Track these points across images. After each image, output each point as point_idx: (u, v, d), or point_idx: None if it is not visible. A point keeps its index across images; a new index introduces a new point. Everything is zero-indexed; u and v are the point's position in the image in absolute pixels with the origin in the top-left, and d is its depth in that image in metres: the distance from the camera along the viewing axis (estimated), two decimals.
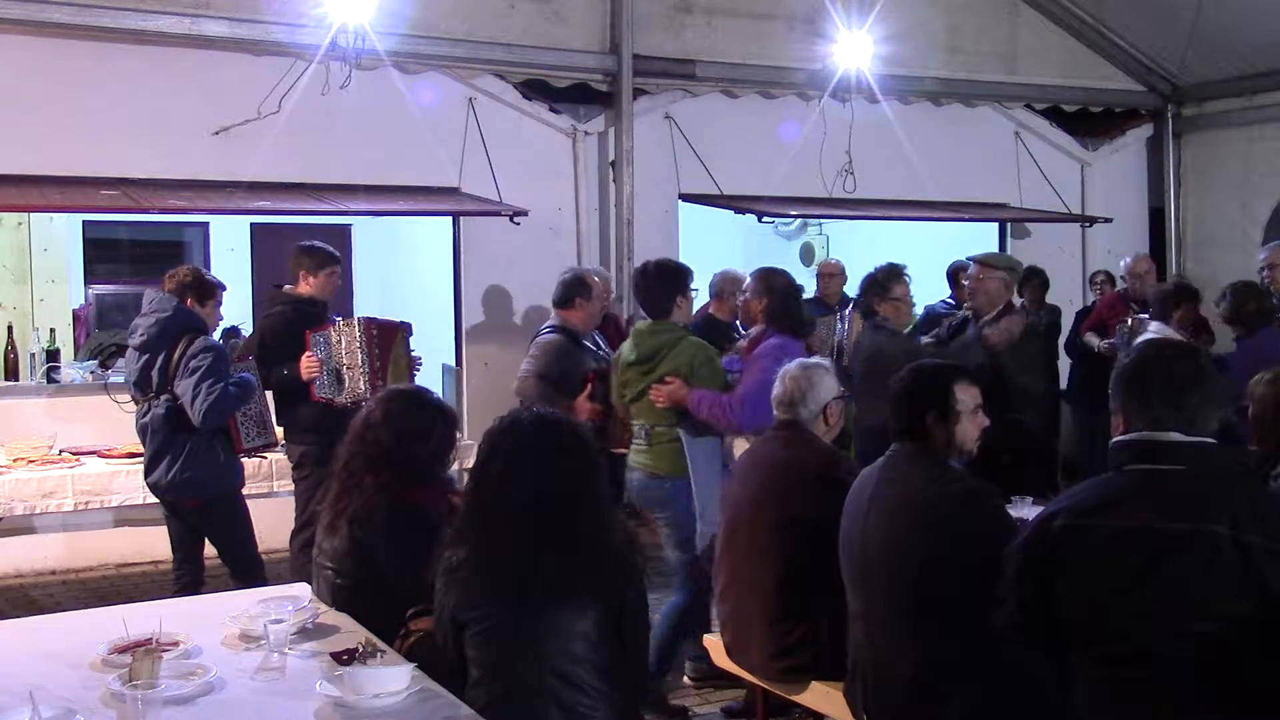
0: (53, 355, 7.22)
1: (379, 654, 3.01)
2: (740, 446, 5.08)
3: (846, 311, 6.59)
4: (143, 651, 2.90)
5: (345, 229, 9.82)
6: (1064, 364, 8.68)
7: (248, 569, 5.31)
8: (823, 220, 11.08)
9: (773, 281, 5.26)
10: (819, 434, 4.13)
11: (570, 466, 3.04)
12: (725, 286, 6.50)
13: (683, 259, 8.19)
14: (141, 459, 5.43)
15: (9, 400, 6.90)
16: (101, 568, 7.19)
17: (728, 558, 4.19)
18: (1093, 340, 7.99)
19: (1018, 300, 6.28)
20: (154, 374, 5.21)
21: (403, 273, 9.96)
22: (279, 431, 6.05)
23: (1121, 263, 8.33)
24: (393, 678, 2.83)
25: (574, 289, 5.67)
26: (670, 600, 5.08)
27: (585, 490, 3.04)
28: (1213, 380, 2.67)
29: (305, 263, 5.89)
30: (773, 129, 8.64)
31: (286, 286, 6.01)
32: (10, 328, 7.44)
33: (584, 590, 2.91)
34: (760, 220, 8.83)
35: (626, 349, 5.17)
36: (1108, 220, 9.75)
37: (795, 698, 4.03)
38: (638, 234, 8.07)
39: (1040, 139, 9.75)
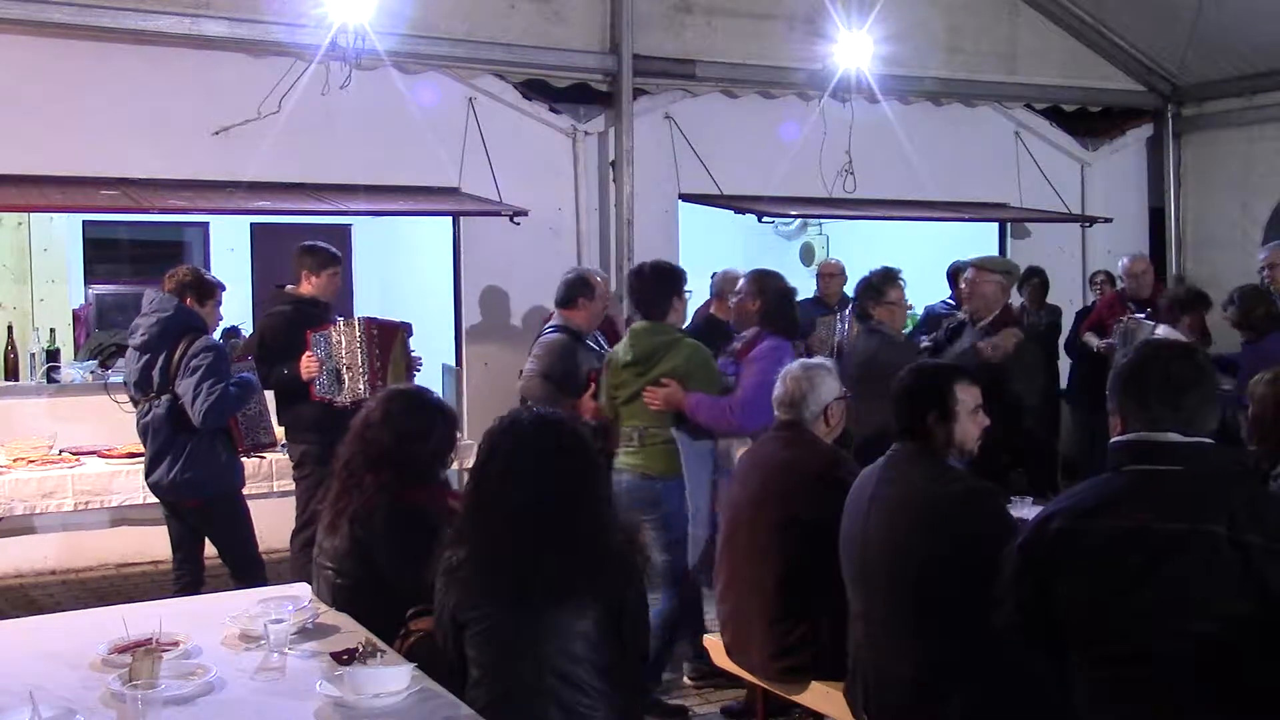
0: (53, 355, 7.22)
1: (379, 654, 3.01)
2: (739, 448, 5.08)
3: (846, 312, 6.59)
4: (143, 651, 2.90)
5: (345, 229, 9.82)
6: (1064, 364, 8.68)
7: (248, 569, 5.31)
8: (823, 220, 11.07)
9: (767, 283, 5.27)
10: (820, 434, 4.13)
11: (570, 466, 3.04)
12: (726, 286, 6.51)
13: (683, 259, 8.26)
14: (141, 459, 5.43)
15: (9, 400, 6.91)
16: (101, 568, 7.19)
17: (728, 558, 4.19)
18: (1092, 340, 7.99)
19: (1016, 301, 6.29)
20: (155, 374, 5.21)
21: (403, 273, 9.96)
22: (280, 431, 6.06)
23: (1119, 263, 8.33)
24: (393, 678, 2.83)
25: (577, 289, 5.67)
26: (655, 608, 5.07)
27: (585, 490, 3.04)
28: (1211, 380, 2.67)
29: (307, 262, 5.90)
30: (773, 129, 8.64)
31: (289, 286, 6.01)
32: (10, 328, 7.45)
33: (584, 590, 2.91)
34: (760, 220, 8.83)
35: (621, 349, 5.15)
36: (1108, 220, 9.74)
37: (795, 698, 4.04)
38: (638, 234, 8.07)
39: (1040, 139, 9.75)
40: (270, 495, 6.17)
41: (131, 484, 5.86)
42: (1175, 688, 2.48)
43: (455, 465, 5.05)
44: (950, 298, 7.95)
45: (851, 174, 8.73)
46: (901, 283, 5.87)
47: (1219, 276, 8.74)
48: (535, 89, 8.02)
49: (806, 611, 3.89)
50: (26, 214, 7.77)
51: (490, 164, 7.71)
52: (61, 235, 8.35)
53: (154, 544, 6.42)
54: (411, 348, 6.02)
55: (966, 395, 3.49)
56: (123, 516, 6.73)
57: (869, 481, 3.52)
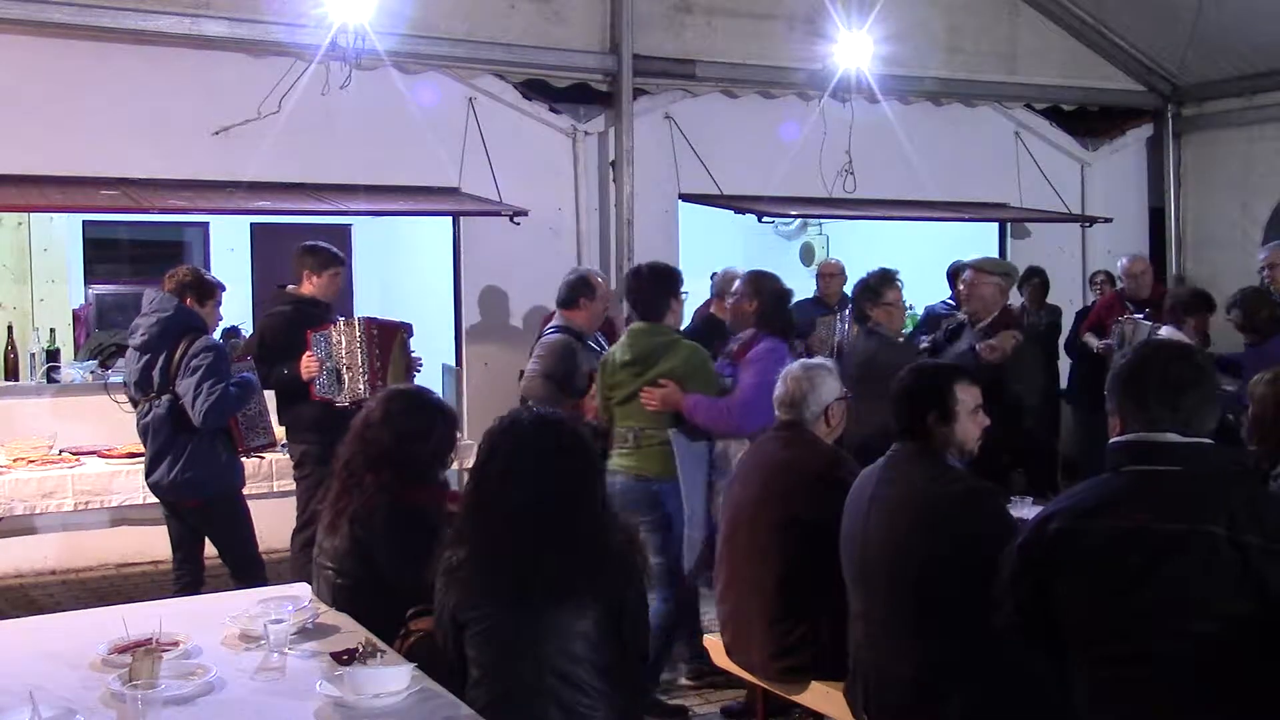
0: (53, 355, 7.22)
1: (379, 654, 3.01)
2: (737, 450, 5.07)
3: (847, 312, 6.59)
4: (143, 651, 2.90)
5: (345, 229, 9.82)
6: (1064, 364, 8.68)
7: (248, 569, 5.31)
8: (823, 220, 11.07)
9: (763, 284, 5.26)
10: (821, 435, 4.14)
11: (570, 466, 3.04)
12: (726, 286, 6.49)
13: (683, 259, 8.29)
14: (141, 459, 5.43)
15: (9, 400, 6.91)
16: (101, 568, 7.19)
17: (728, 558, 4.19)
18: (1091, 341, 7.99)
19: (1016, 301, 6.29)
20: (155, 374, 5.21)
21: (403, 273, 9.96)
22: (280, 431, 6.06)
23: (1118, 263, 8.33)
24: (393, 678, 2.83)
25: (578, 289, 5.68)
26: (651, 609, 5.06)
27: (585, 490, 3.04)
28: (1210, 381, 2.67)
29: (309, 263, 5.90)
30: (773, 129, 8.64)
31: (290, 286, 6.01)
32: (10, 328, 7.45)
33: (584, 590, 2.92)
34: (760, 220, 8.83)
35: (619, 350, 5.13)
36: (1108, 220, 9.74)
37: (795, 698, 4.04)
38: (638, 234, 8.07)
39: (1040, 139, 9.75)
40: (270, 495, 6.17)
41: (131, 484, 5.86)
42: (1175, 688, 2.48)
43: (455, 465, 5.04)
44: (950, 298, 7.94)
45: (851, 174, 8.73)
46: (899, 284, 5.87)
47: (1219, 276, 8.75)
48: (535, 89, 8.02)
49: (806, 611, 3.89)
50: (26, 214, 7.77)
51: (490, 164, 7.70)
52: (61, 235, 8.35)
53: (154, 544, 6.42)
54: (412, 348, 6.02)
55: (966, 395, 3.49)
56: (123, 516, 6.73)
57: (869, 481, 3.52)
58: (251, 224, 9.91)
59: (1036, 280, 8.71)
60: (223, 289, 5.56)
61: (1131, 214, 10.17)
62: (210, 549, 5.45)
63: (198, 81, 7.03)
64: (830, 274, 8.16)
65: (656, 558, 4.99)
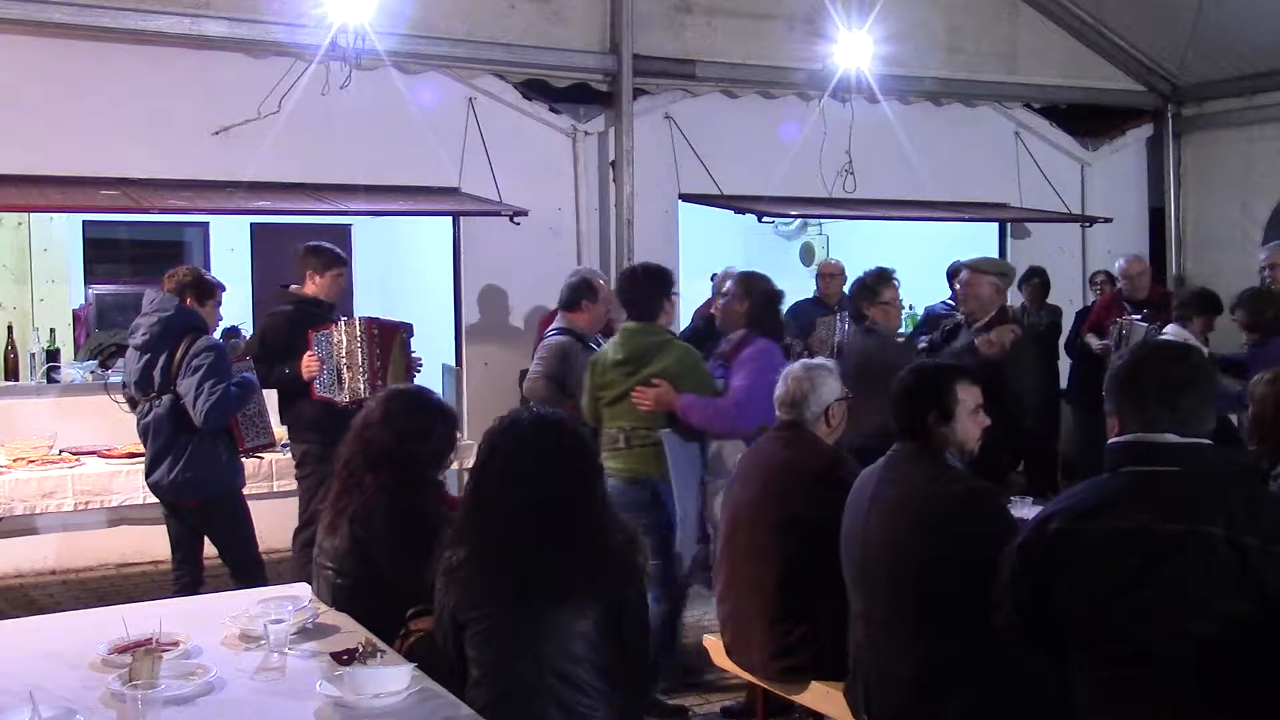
0: (53, 355, 7.22)
1: (379, 654, 3.01)
2: (730, 451, 5.07)
3: (847, 312, 6.59)
4: (143, 651, 2.90)
5: (345, 229, 9.82)
6: (1064, 364, 8.68)
7: (248, 569, 5.31)
8: (823, 220, 11.07)
9: (754, 285, 5.26)
10: (821, 435, 4.13)
11: (570, 466, 3.04)
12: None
13: (683, 259, 8.29)
14: (141, 459, 5.43)
15: (9, 400, 6.91)
16: (101, 568, 7.19)
17: (728, 558, 4.19)
18: (1093, 341, 8.00)
19: (1017, 301, 6.28)
20: (156, 373, 5.21)
21: (403, 273, 9.96)
22: (281, 431, 6.06)
23: (1116, 264, 8.33)
24: (393, 678, 2.83)
25: (580, 292, 5.68)
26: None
27: (585, 490, 3.04)
28: (1208, 381, 2.67)
29: (312, 263, 5.91)
30: (773, 129, 8.64)
31: (293, 286, 6.02)
32: (10, 328, 7.45)
33: (584, 590, 2.92)
34: (760, 220, 8.83)
35: (610, 349, 5.11)
36: (1108, 220, 9.75)
37: (795, 698, 4.04)
38: (638, 234, 8.07)
39: (1040, 139, 9.75)
40: (270, 495, 6.17)
41: (131, 484, 5.86)
42: (1175, 688, 2.48)
43: (455, 465, 5.04)
44: (950, 298, 7.94)
45: (851, 174, 8.73)
46: (896, 283, 5.86)
47: (1219, 276, 8.75)
48: (535, 89, 8.02)
49: (806, 611, 3.88)
50: (26, 214, 7.77)
51: (490, 164, 7.71)
52: (61, 235, 8.35)
53: (154, 544, 6.42)
54: (412, 348, 6.02)
55: (967, 395, 3.49)
56: (122, 516, 6.72)
57: (869, 481, 3.52)
58: (251, 224, 9.90)
59: (1036, 280, 8.71)
60: (223, 289, 5.56)
61: (1131, 214, 10.18)
62: (210, 549, 5.45)
63: (198, 81, 7.03)
64: (830, 274, 8.16)
65: (652, 559, 4.99)
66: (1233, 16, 8.71)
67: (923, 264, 8.33)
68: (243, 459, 5.53)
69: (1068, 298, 9.27)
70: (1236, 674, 2.45)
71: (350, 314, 6.46)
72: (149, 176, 6.93)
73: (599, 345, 5.75)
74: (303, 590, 3.69)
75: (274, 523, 6.09)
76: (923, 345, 6.26)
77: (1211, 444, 2.61)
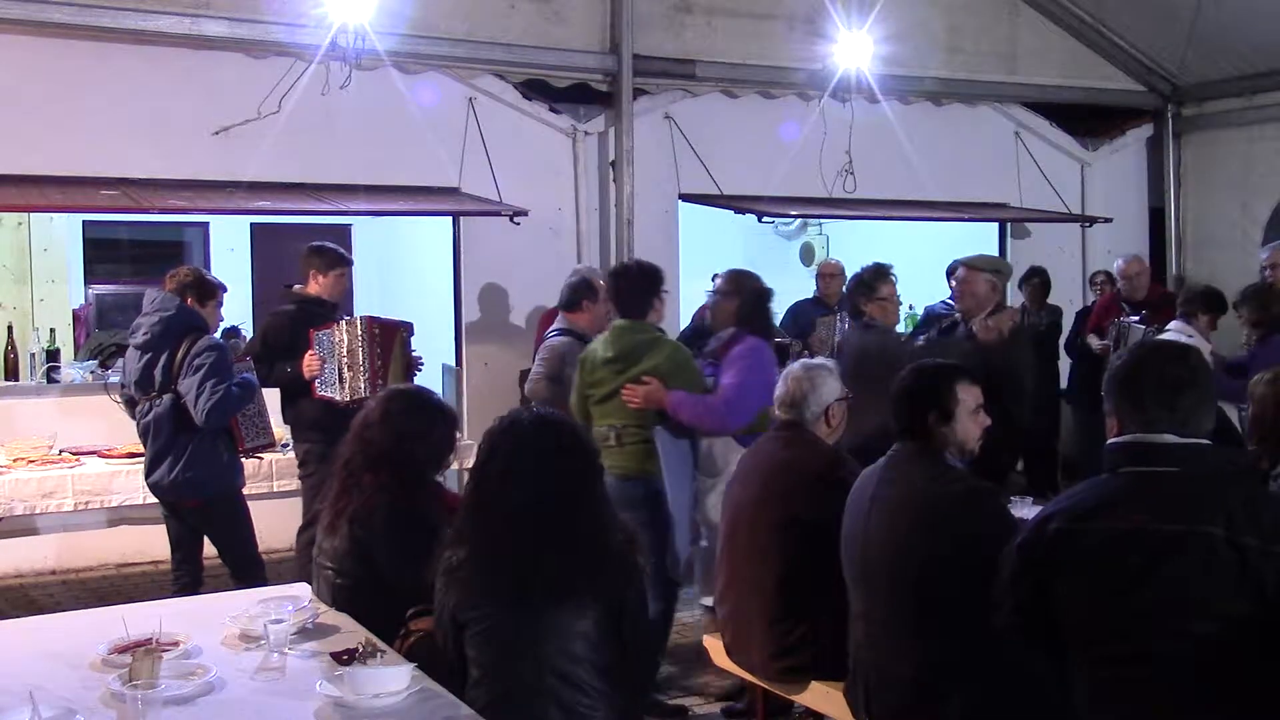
0: (53, 355, 7.22)
1: (379, 654, 3.01)
2: (721, 450, 5.06)
3: (846, 311, 6.58)
4: (143, 651, 2.90)
5: (345, 229, 9.81)
6: (1064, 364, 8.68)
7: (248, 569, 5.31)
8: (823, 220, 11.07)
9: (744, 283, 5.24)
10: (821, 435, 4.13)
11: (570, 466, 3.04)
12: None
13: (683, 259, 8.29)
14: (141, 459, 5.43)
15: (9, 400, 6.91)
16: (101, 568, 7.19)
17: (728, 558, 4.19)
18: (1094, 341, 8.00)
19: (1017, 301, 6.28)
20: (156, 372, 5.22)
21: (403, 273, 9.96)
22: (281, 431, 6.06)
23: (1115, 264, 8.33)
24: (393, 678, 2.83)
25: (581, 292, 5.68)
26: None
27: (585, 490, 3.04)
28: (1206, 381, 2.66)
29: (315, 263, 5.92)
30: (773, 129, 8.64)
31: (296, 286, 6.02)
32: (10, 328, 7.45)
33: (584, 590, 2.92)
34: (760, 220, 8.83)
35: (599, 347, 5.08)
36: (1108, 220, 9.75)
37: (795, 698, 4.04)
38: (638, 234, 8.07)
39: (1040, 139, 9.76)
40: (270, 495, 6.17)
41: (131, 484, 5.86)
42: (1175, 688, 2.48)
43: (455, 465, 5.04)
44: (950, 298, 7.94)
45: (851, 174, 8.73)
46: (893, 278, 5.85)
47: (1219, 276, 8.74)
48: (535, 89, 8.02)
49: (806, 611, 3.88)
50: (26, 214, 7.77)
51: (490, 164, 7.71)
52: (61, 235, 8.35)
53: (154, 544, 6.42)
54: (413, 348, 6.02)
55: (967, 395, 3.49)
56: (122, 516, 6.72)
57: (870, 481, 3.52)
58: (251, 224, 9.90)
59: (1037, 280, 8.71)
60: (224, 290, 5.56)
61: (1131, 214, 10.18)
62: (210, 549, 5.45)
63: (198, 81, 7.03)
64: (830, 274, 8.16)
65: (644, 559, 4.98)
66: (1233, 16, 8.71)
67: (923, 264, 8.32)
68: (243, 459, 5.53)
69: (1068, 298, 9.27)
70: (1236, 674, 2.45)
71: (350, 314, 6.47)
72: (149, 176, 6.93)
73: None
74: (303, 590, 3.69)
75: (274, 523, 6.08)
76: (920, 343, 6.26)
77: (1211, 444, 2.61)
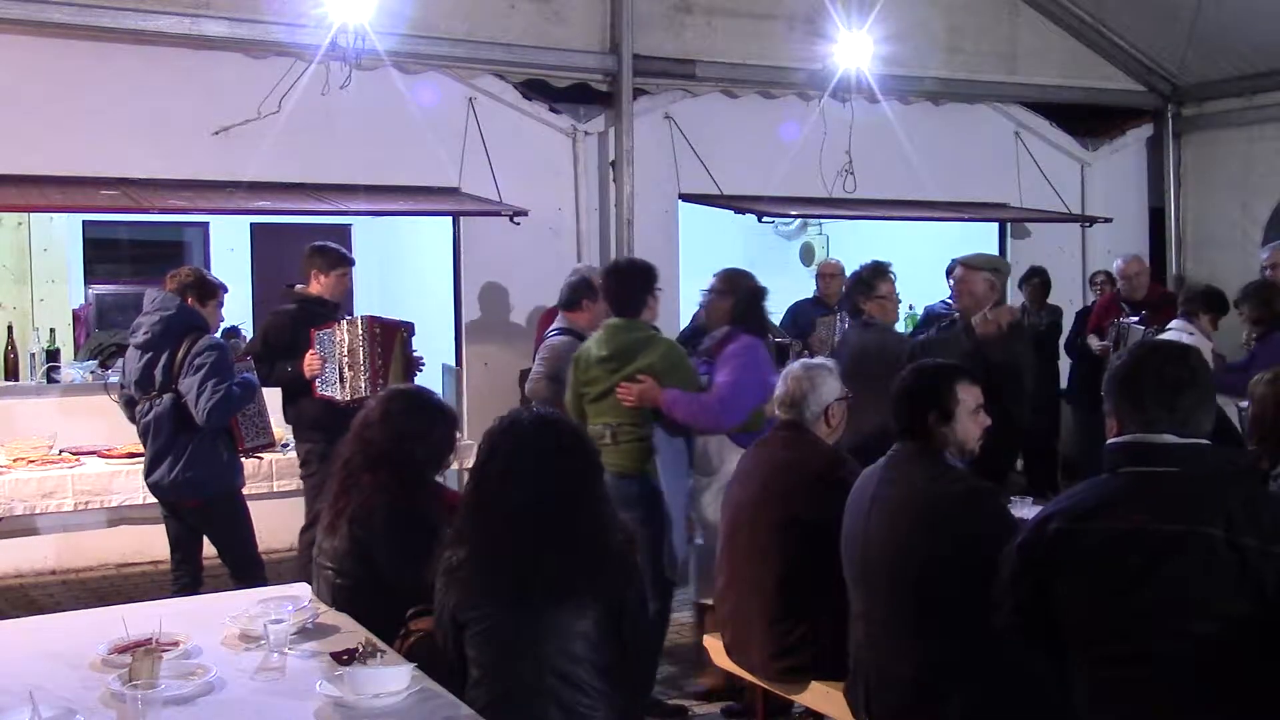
0: (53, 355, 7.22)
1: (379, 654, 3.01)
2: (716, 449, 5.06)
3: (846, 311, 6.58)
4: (143, 651, 2.90)
5: (345, 229, 9.81)
6: (1064, 364, 8.68)
7: (248, 569, 5.31)
8: (823, 220, 11.07)
9: (738, 282, 5.23)
10: (821, 435, 4.13)
11: (570, 466, 3.04)
12: None
13: (683, 259, 8.29)
14: (141, 459, 5.43)
15: (9, 400, 6.91)
16: (101, 568, 7.19)
17: (728, 558, 4.19)
18: (1094, 342, 8.00)
19: (1016, 301, 6.27)
20: (157, 372, 5.22)
21: (403, 273, 9.96)
22: (283, 431, 6.06)
23: (1114, 264, 8.34)
24: (393, 678, 2.83)
25: (580, 291, 5.68)
26: None
27: (585, 490, 3.04)
28: (1206, 381, 2.66)
29: (317, 262, 5.92)
30: (773, 129, 8.64)
31: (298, 286, 6.03)
32: (10, 328, 7.45)
33: (584, 590, 2.92)
34: (760, 220, 8.82)
35: (593, 345, 5.07)
36: (1108, 220, 9.75)
37: (795, 698, 4.04)
38: (638, 234, 8.07)
39: (1040, 139, 9.76)
40: (270, 495, 6.17)
41: (131, 484, 5.86)
42: (1175, 688, 2.48)
43: (455, 465, 5.04)
44: (950, 297, 7.95)
45: (851, 174, 8.73)
46: (892, 276, 5.85)
47: (1219, 276, 8.74)
48: (535, 89, 8.02)
49: (806, 611, 3.88)
50: (26, 214, 7.77)
51: (490, 164, 7.71)
52: (61, 235, 8.35)
53: (153, 544, 6.42)
54: (414, 348, 6.02)
55: (967, 395, 3.49)
56: (122, 516, 6.72)
57: (870, 481, 3.52)
58: (251, 224, 9.90)
59: (1037, 280, 8.71)
60: (225, 290, 5.56)
61: (1131, 214, 10.18)
62: (209, 549, 5.45)
63: (198, 81, 7.03)
64: (830, 274, 8.16)
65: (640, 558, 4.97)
66: (1233, 16, 8.71)
67: (923, 264, 8.32)
68: (242, 459, 5.53)
69: (1068, 298, 9.27)
70: (1236, 674, 2.45)
71: (351, 314, 6.46)
72: (149, 176, 6.93)
73: None
74: (303, 590, 3.69)
75: (274, 523, 6.08)
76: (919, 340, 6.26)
77: (1210, 444, 2.61)
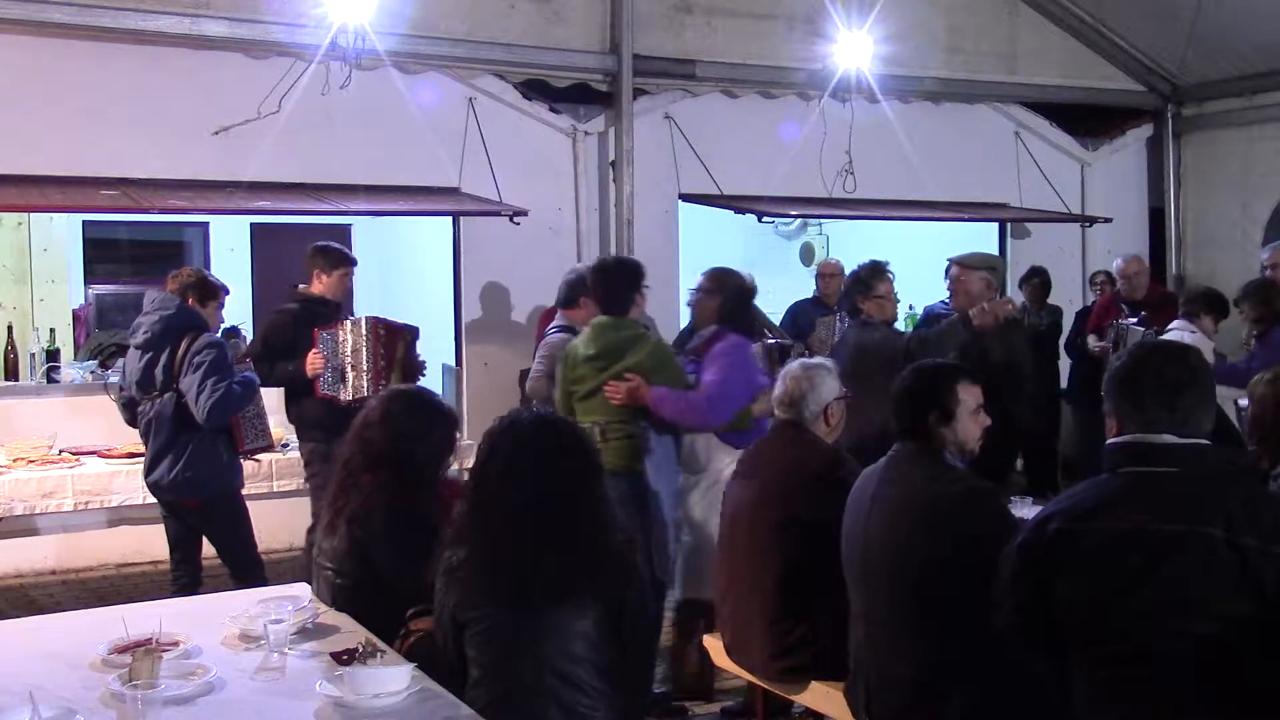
0: (53, 355, 7.22)
1: (379, 654, 3.01)
2: (704, 448, 5.05)
3: (845, 311, 6.58)
4: (143, 651, 2.90)
5: (345, 229, 9.81)
6: (1064, 364, 8.68)
7: (247, 569, 5.31)
8: (823, 220, 11.07)
9: (726, 281, 5.22)
10: (820, 434, 4.13)
11: (570, 466, 3.04)
12: None
13: (683, 259, 8.29)
14: (141, 459, 5.43)
15: (9, 400, 6.91)
16: (101, 568, 7.18)
17: (728, 558, 4.19)
18: (1094, 342, 8.00)
19: (1018, 300, 6.27)
20: (157, 371, 5.22)
21: (403, 273, 9.96)
22: (282, 431, 6.06)
23: (1114, 264, 8.34)
24: (393, 678, 2.83)
25: (578, 289, 5.68)
26: None
27: (585, 490, 3.04)
28: (1206, 381, 2.66)
29: (319, 262, 5.92)
30: (773, 129, 8.64)
31: (301, 286, 6.03)
32: (10, 328, 7.45)
33: (584, 590, 2.92)
34: (760, 220, 8.82)
35: (581, 344, 5.05)
36: (1108, 220, 9.75)
37: (795, 698, 4.04)
38: (638, 234, 8.07)
39: (1040, 139, 9.76)
40: (270, 495, 6.18)
41: (131, 484, 5.86)
42: (1175, 688, 2.48)
43: (455, 465, 5.03)
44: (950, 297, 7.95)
45: (851, 174, 8.73)
46: (890, 276, 5.84)
47: (1219, 276, 8.75)
48: (535, 89, 8.02)
49: (806, 611, 3.88)
50: (26, 214, 7.77)
51: (490, 164, 7.71)
52: (61, 235, 8.35)
53: (153, 544, 6.41)
54: (418, 352, 6.01)
55: (967, 395, 3.48)
56: (122, 516, 6.72)
57: (870, 481, 3.52)
58: (251, 224, 9.90)
59: (1037, 280, 8.72)
60: (226, 291, 5.56)
61: (1131, 214, 10.18)
62: (209, 549, 5.45)
63: (198, 81, 7.03)
64: (830, 274, 8.16)
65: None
66: (1233, 16, 8.71)
67: (922, 263, 8.32)
68: (241, 459, 5.53)
69: (1068, 298, 9.27)
70: (1236, 674, 2.45)
71: (351, 314, 6.46)
72: (149, 176, 6.93)
73: None
74: (303, 590, 3.68)
75: (274, 523, 6.08)
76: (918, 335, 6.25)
77: (1210, 444, 2.61)
